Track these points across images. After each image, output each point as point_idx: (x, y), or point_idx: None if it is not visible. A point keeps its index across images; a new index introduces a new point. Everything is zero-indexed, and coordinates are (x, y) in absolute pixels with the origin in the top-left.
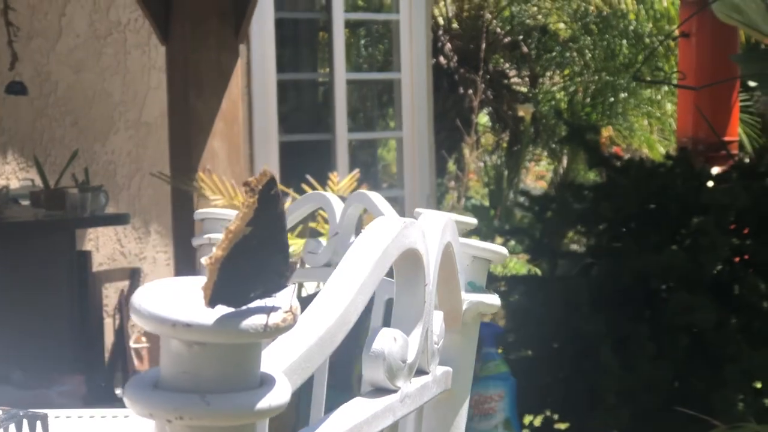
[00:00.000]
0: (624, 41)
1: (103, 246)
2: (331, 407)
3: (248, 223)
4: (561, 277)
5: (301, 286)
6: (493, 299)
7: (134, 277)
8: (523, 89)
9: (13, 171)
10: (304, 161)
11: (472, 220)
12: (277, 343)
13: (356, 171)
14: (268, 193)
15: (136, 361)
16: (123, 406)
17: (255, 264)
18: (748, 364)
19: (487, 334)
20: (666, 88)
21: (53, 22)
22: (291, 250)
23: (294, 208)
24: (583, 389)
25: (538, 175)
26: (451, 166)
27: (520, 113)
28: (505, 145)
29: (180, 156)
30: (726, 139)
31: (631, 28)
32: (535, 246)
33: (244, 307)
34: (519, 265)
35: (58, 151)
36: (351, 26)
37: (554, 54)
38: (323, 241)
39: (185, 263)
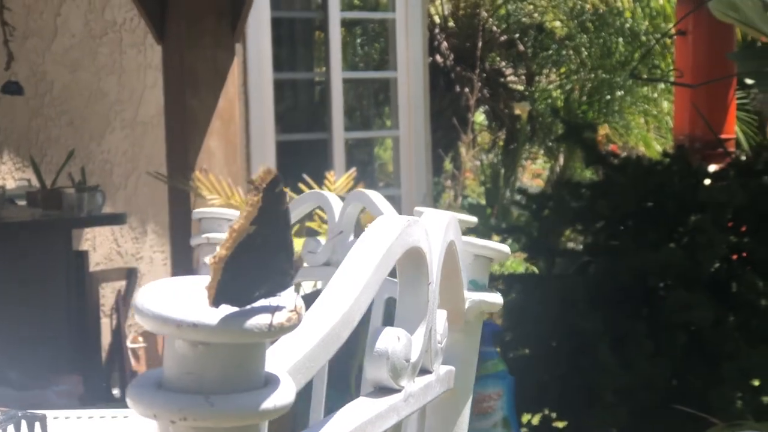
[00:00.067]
0: (620, 39)
1: (100, 246)
2: (328, 407)
3: (252, 221)
4: (558, 275)
5: (298, 285)
6: (496, 298)
7: (131, 277)
8: (520, 87)
9: (9, 171)
10: (301, 160)
11: (473, 218)
12: (281, 343)
13: (353, 170)
14: (272, 192)
15: (133, 361)
16: (120, 406)
17: (259, 263)
18: (746, 362)
19: (485, 333)
20: (662, 86)
21: (49, 21)
22: None
23: (292, 207)
24: (580, 387)
25: (534, 173)
26: (448, 164)
27: (517, 111)
28: (501, 143)
29: (176, 155)
30: (723, 136)
31: (627, 25)
32: (532, 244)
33: (248, 307)
34: (516, 264)
35: (54, 150)
36: (347, 25)
37: (550, 52)
38: (322, 240)
39: (182, 263)
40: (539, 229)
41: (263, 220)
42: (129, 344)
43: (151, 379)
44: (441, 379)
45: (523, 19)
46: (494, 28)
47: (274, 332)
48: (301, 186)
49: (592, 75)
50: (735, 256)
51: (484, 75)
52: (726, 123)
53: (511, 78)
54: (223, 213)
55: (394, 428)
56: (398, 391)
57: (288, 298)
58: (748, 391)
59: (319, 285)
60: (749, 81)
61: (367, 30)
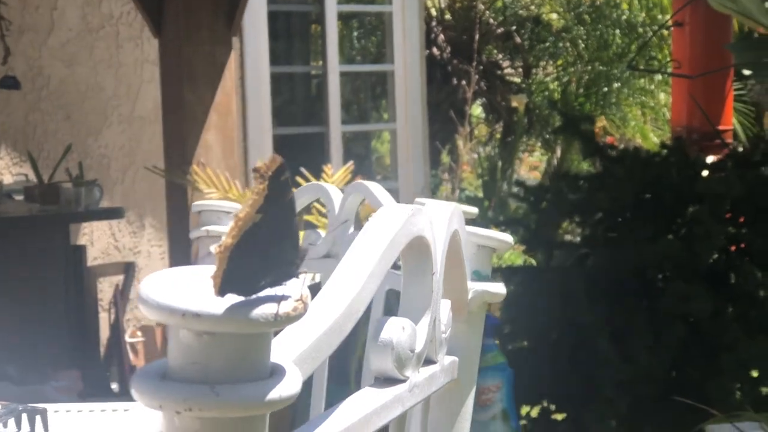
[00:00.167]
0: (617, 31)
1: (97, 240)
2: (328, 402)
3: (258, 210)
4: (557, 267)
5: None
6: (499, 288)
7: (129, 271)
8: (517, 80)
9: (7, 166)
10: (298, 154)
11: (473, 209)
12: (287, 333)
13: (350, 163)
14: (278, 180)
15: (131, 356)
16: (119, 400)
17: (265, 252)
18: (745, 353)
19: (484, 325)
20: (659, 77)
21: (45, 15)
22: None
23: None
24: (579, 379)
25: (531, 165)
26: (445, 157)
27: (514, 104)
28: (498, 136)
29: (174, 149)
30: (720, 128)
31: (624, 17)
32: (530, 237)
33: (254, 296)
34: (514, 256)
35: (52, 145)
36: (344, 18)
37: (547, 44)
38: (322, 232)
39: (180, 257)
40: (537, 222)
41: (269, 208)
42: (127, 339)
43: (156, 369)
44: (445, 369)
45: (520, 12)
46: (491, 21)
47: (280, 322)
48: (299, 179)
49: (589, 67)
50: (733, 248)
51: (481, 67)
52: (723, 114)
53: (508, 70)
54: (222, 205)
55: (399, 419)
56: (403, 381)
57: (294, 288)
58: (747, 382)
59: (317, 277)
60: (746, 72)
61: (363, 23)
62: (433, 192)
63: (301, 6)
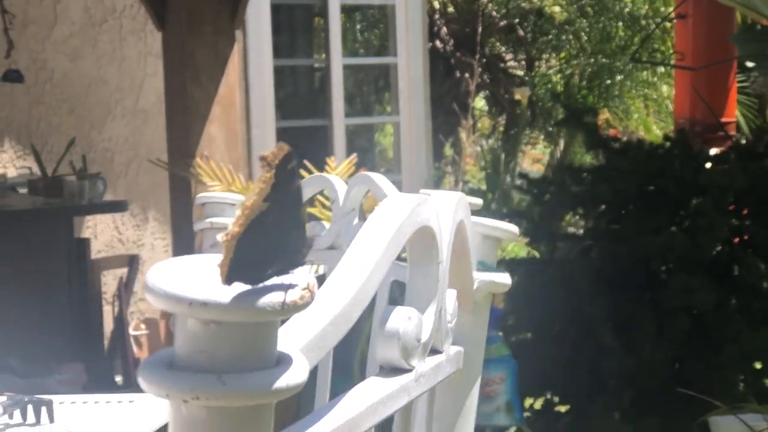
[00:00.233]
0: (620, 23)
1: (101, 233)
2: (332, 394)
3: (265, 198)
4: (560, 259)
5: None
6: (504, 278)
7: (133, 264)
8: (520, 73)
9: (11, 159)
10: (302, 147)
11: (478, 200)
12: (293, 322)
13: (354, 155)
14: (285, 168)
15: (135, 349)
16: (123, 393)
17: (272, 240)
18: (748, 345)
19: None
20: (662, 70)
21: (48, 9)
22: None
23: None
24: (583, 371)
25: (534, 158)
26: (448, 150)
27: (517, 97)
28: (501, 128)
29: (177, 142)
30: (723, 120)
31: (627, 10)
32: (533, 229)
33: (261, 285)
34: (518, 248)
35: (55, 138)
36: (347, 11)
37: (550, 37)
38: (326, 224)
39: (184, 249)
40: (540, 214)
41: (276, 196)
42: (131, 331)
43: (163, 358)
44: (451, 359)
45: (523, 4)
46: (494, 14)
47: (287, 311)
48: (302, 172)
49: (592, 60)
50: (736, 240)
51: (484, 60)
52: (727, 106)
53: (511, 63)
54: (226, 197)
55: (405, 408)
56: (409, 371)
57: (301, 276)
58: (750, 374)
59: (321, 270)
60: (750, 64)
61: (366, 16)
62: (437, 185)
63: None
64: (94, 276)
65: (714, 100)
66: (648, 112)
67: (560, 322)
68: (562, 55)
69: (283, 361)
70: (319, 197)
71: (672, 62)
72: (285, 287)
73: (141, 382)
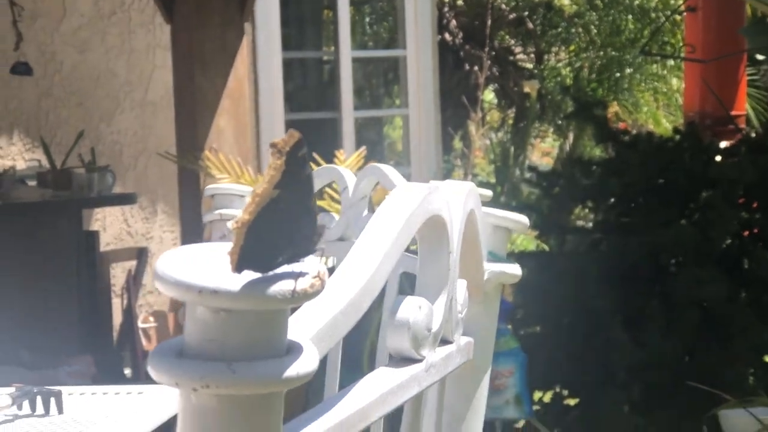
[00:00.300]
0: (629, 16)
1: (110, 226)
2: (341, 384)
3: (276, 185)
4: (569, 253)
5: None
6: (515, 269)
7: (141, 256)
8: (529, 66)
9: (20, 152)
10: (311, 139)
11: (488, 192)
12: (304, 310)
13: (363, 148)
14: (295, 155)
15: (144, 341)
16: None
17: (282, 228)
18: (758, 338)
19: None
20: (672, 63)
21: (57, 1)
22: None
23: None
24: (592, 365)
25: (543, 151)
26: (457, 143)
27: (526, 90)
28: (510, 121)
29: (186, 135)
30: (734, 113)
31: (636, 2)
32: (542, 222)
33: (271, 273)
34: (527, 241)
35: (64, 131)
36: (356, 4)
37: (559, 30)
38: (335, 215)
39: (192, 241)
40: (550, 207)
41: (287, 184)
42: (140, 324)
43: (172, 347)
44: (461, 349)
45: None
46: (503, 6)
47: (298, 299)
48: (312, 165)
49: (602, 52)
50: (746, 233)
51: (493, 53)
52: (736, 99)
53: (520, 56)
54: (235, 189)
55: (415, 399)
56: (419, 361)
57: (311, 264)
58: (760, 368)
59: (331, 262)
60: (760, 57)
61: (375, 8)
62: (446, 177)
63: None
64: (103, 269)
65: (724, 92)
66: (658, 105)
67: (569, 316)
68: (572, 47)
69: (293, 350)
70: (328, 190)
71: (682, 55)
72: (295, 275)
73: (150, 370)
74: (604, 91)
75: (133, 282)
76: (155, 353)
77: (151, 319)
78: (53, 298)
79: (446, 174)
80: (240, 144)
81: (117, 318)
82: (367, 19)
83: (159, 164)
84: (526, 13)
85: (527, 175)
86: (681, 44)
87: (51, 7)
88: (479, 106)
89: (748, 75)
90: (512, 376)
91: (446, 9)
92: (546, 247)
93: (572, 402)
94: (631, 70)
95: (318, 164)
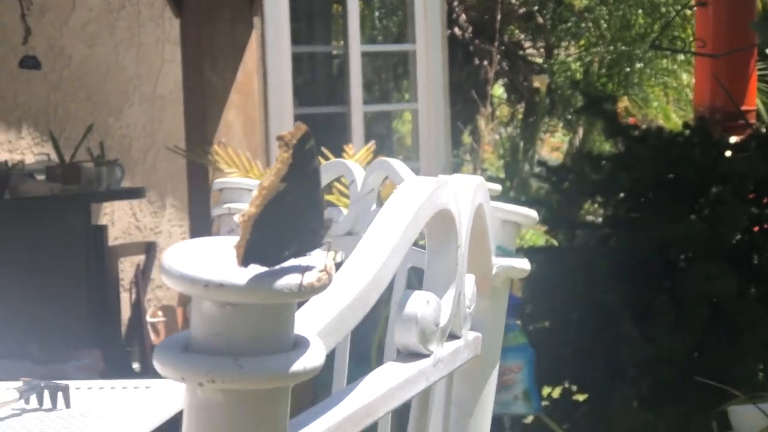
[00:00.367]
0: (639, 11)
1: (118, 220)
2: (349, 379)
3: (282, 178)
4: (579, 248)
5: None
6: (523, 264)
7: (150, 251)
8: (539, 60)
9: (28, 146)
10: (320, 134)
11: (497, 186)
12: (310, 304)
13: (372, 142)
14: (302, 148)
15: (152, 336)
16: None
17: (289, 221)
18: None
19: None
20: (682, 58)
21: None
22: None
23: None
24: (601, 360)
25: (553, 146)
26: (467, 137)
27: (536, 84)
28: (520, 116)
29: (195, 129)
30: (744, 108)
31: None
32: (552, 217)
33: (277, 267)
34: (536, 236)
35: (73, 125)
36: None
37: (569, 24)
38: (344, 209)
39: (201, 236)
40: (559, 202)
41: (294, 177)
42: (149, 318)
43: (178, 341)
44: (469, 344)
45: None
46: (513, 1)
47: (304, 293)
48: (320, 159)
49: (612, 47)
50: (756, 228)
51: (503, 48)
52: (747, 94)
53: (530, 51)
54: (243, 183)
55: (423, 394)
56: (427, 355)
57: (318, 258)
58: None
59: (339, 256)
60: None
61: (385, 2)
62: (455, 172)
63: None
64: (112, 263)
65: (734, 87)
66: (668, 99)
67: (578, 311)
68: (582, 42)
69: (300, 344)
70: (337, 184)
71: (692, 50)
72: (302, 269)
73: (156, 364)
74: (614, 85)
75: (142, 276)
76: (161, 348)
77: (160, 313)
78: (61, 292)
79: (455, 168)
80: (249, 138)
81: (125, 312)
82: (377, 14)
83: (168, 158)
84: (536, 7)
85: (536, 169)
86: (691, 39)
87: (60, 1)
88: (489, 100)
89: (759, 70)
90: (521, 372)
91: (456, 3)
92: (555, 242)
93: (581, 397)
94: (641, 64)
95: (327, 158)
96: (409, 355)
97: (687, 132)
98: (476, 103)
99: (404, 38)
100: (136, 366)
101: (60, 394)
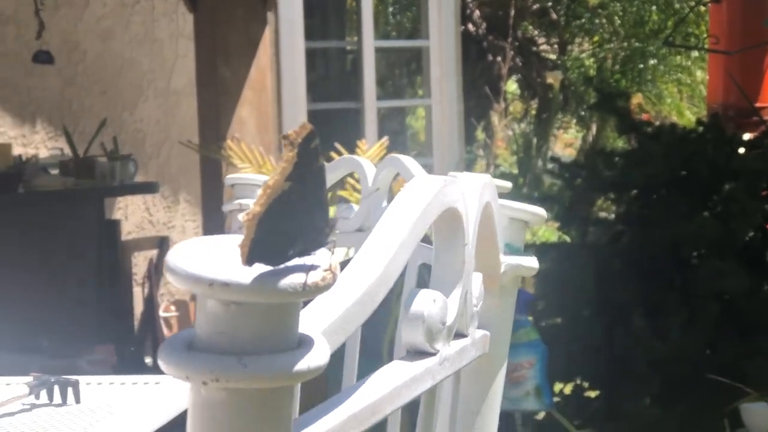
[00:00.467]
0: (653, 7)
1: (132, 215)
2: (360, 375)
3: (287, 177)
4: (591, 244)
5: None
6: (532, 261)
7: (163, 245)
8: (552, 56)
9: (42, 140)
10: (333, 129)
11: (507, 184)
12: (316, 303)
13: (385, 138)
14: (307, 147)
15: (165, 330)
16: (152, 374)
17: (294, 220)
18: None
19: (517, 301)
20: (695, 54)
21: None
22: None
23: None
24: (613, 357)
25: (566, 143)
26: (480, 133)
27: (549, 80)
28: (533, 112)
29: (209, 124)
30: (757, 105)
31: None
32: (564, 213)
33: (282, 266)
34: (549, 233)
35: (87, 120)
36: None
37: (583, 20)
38: (355, 206)
39: (214, 231)
40: (572, 198)
41: (299, 176)
42: (161, 313)
43: (183, 339)
44: (476, 343)
45: None
46: None
47: (309, 292)
48: (333, 155)
49: (625, 44)
50: None
51: (517, 44)
52: (761, 91)
53: (544, 47)
54: (256, 179)
55: (429, 392)
56: (433, 354)
57: (323, 257)
58: None
59: (351, 253)
60: None
61: None
62: (468, 168)
63: None
64: (125, 257)
65: (748, 84)
66: (681, 96)
67: (590, 307)
68: (595, 38)
69: (304, 344)
70: (350, 180)
71: (706, 46)
72: (306, 268)
73: (161, 363)
74: (627, 82)
75: (155, 271)
76: (165, 346)
77: (173, 308)
78: (74, 286)
79: (468, 164)
80: (262, 134)
81: (138, 307)
82: (390, 9)
83: (181, 153)
84: (550, 3)
85: (549, 166)
86: (705, 35)
87: None
88: (502, 96)
89: None
90: (532, 368)
91: None
92: (568, 239)
93: (593, 394)
94: (655, 61)
95: (340, 154)
96: (416, 353)
97: (700, 129)
98: (489, 99)
99: (418, 34)
100: (148, 360)
101: (70, 390)
